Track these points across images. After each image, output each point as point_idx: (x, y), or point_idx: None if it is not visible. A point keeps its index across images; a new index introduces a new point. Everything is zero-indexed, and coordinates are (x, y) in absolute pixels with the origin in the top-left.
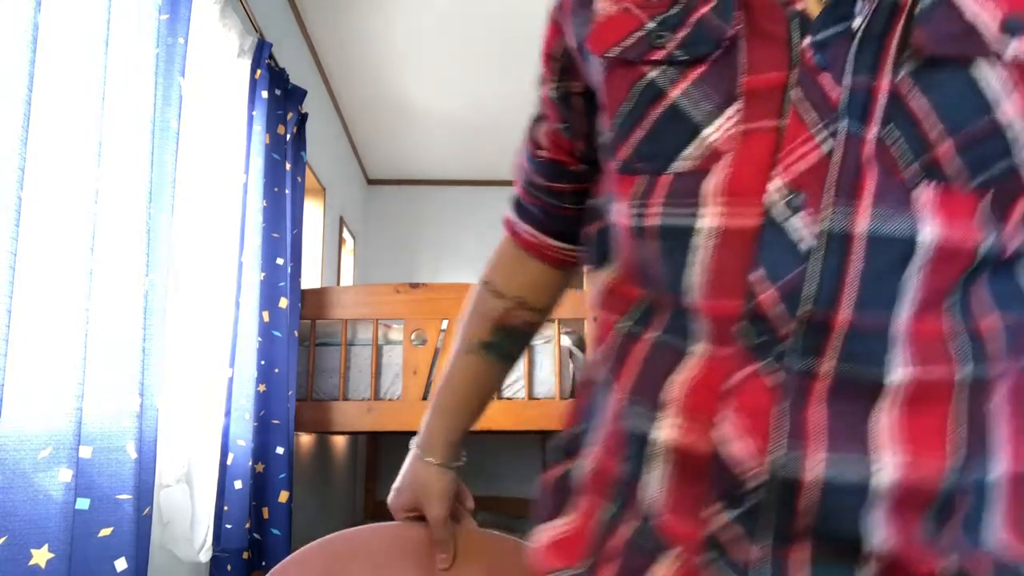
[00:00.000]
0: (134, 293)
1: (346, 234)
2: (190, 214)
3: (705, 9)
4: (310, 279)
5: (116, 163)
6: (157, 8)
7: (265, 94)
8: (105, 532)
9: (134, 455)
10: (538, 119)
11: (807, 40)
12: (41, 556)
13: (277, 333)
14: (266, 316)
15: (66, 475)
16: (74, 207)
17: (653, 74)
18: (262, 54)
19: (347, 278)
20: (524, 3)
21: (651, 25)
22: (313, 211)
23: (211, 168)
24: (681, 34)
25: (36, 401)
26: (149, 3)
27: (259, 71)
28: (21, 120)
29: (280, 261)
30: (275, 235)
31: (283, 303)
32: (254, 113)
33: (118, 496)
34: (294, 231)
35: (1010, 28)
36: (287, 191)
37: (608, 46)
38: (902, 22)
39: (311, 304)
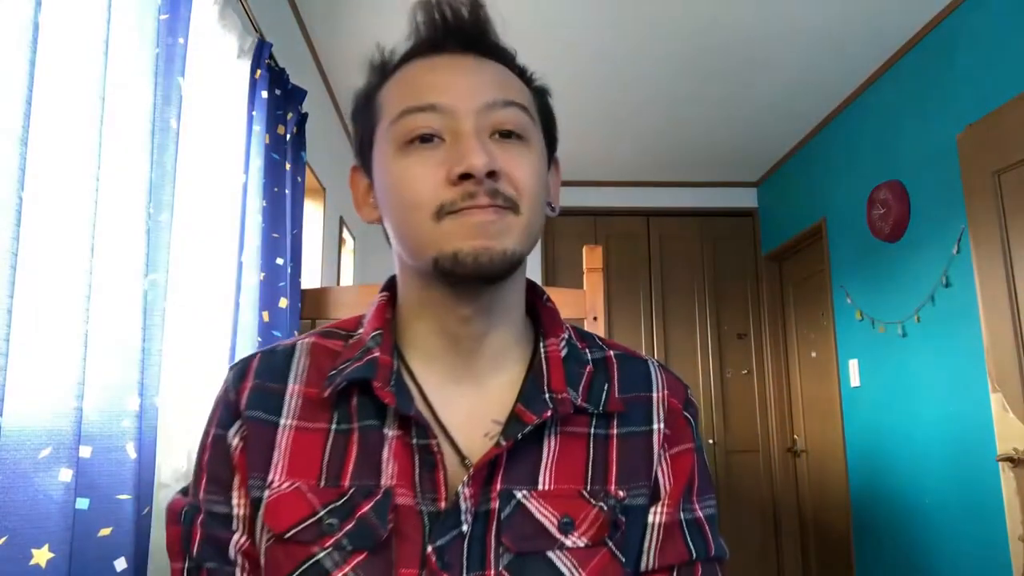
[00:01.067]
0: (134, 293)
1: (346, 234)
2: (190, 214)
3: (366, 508)
4: (310, 279)
5: (116, 163)
6: (157, 8)
7: (265, 94)
8: (105, 532)
9: (134, 455)
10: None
11: (430, 547)
12: (41, 556)
13: (277, 333)
14: (266, 316)
15: (66, 475)
16: (74, 207)
17: (320, 555)
18: (262, 54)
19: (347, 278)
20: (524, 2)
21: (322, 512)
22: (313, 211)
23: (211, 168)
24: (348, 526)
25: (36, 401)
26: (149, 3)
27: (259, 71)
28: (21, 120)
29: (280, 261)
30: (275, 235)
31: (283, 303)
32: (254, 113)
33: (118, 496)
34: (294, 231)
35: (563, 528)
36: (287, 191)
37: (285, 527)
38: (495, 526)
39: (311, 304)
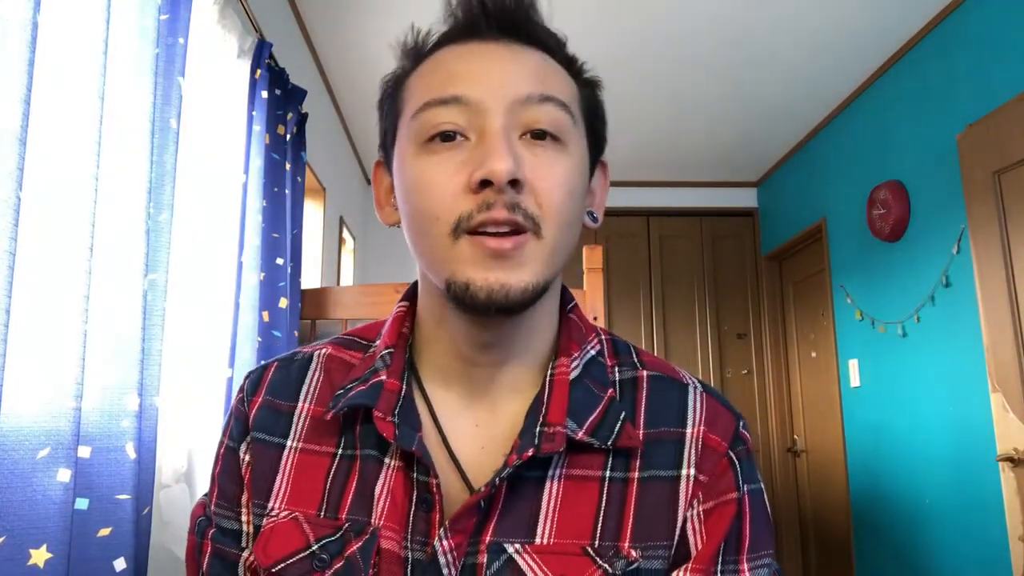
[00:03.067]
0: (134, 293)
1: (346, 234)
2: (190, 214)
3: (355, 547)
4: (310, 279)
5: (116, 163)
6: (157, 8)
7: (265, 94)
8: (104, 532)
9: (134, 455)
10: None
11: None
12: (40, 556)
13: (277, 333)
14: (266, 316)
15: (65, 475)
16: (74, 207)
17: None
18: (262, 54)
19: (347, 278)
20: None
21: (315, 547)
22: (313, 211)
23: (211, 168)
24: (337, 565)
25: (35, 401)
26: (149, 3)
27: (259, 71)
28: (21, 120)
29: (280, 261)
30: (275, 235)
31: (283, 303)
32: (254, 113)
33: (118, 496)
34: (294, 231)
35: None
36: (287, 191)
37: (272, 560)
38: None
39: (311, 304)
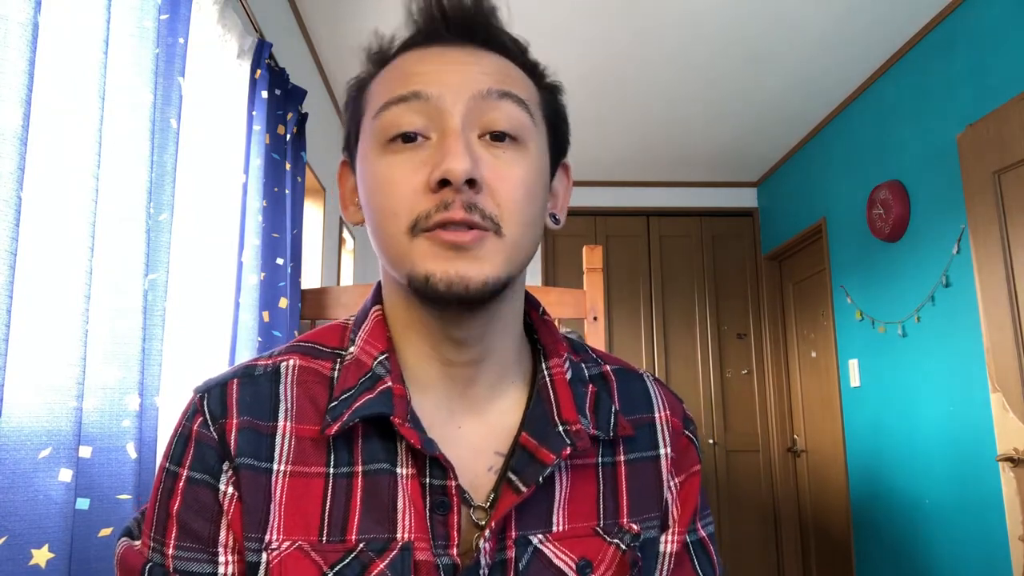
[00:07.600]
0: (134, 293)
1: (346, 234)
2: (190, 214)
3: (381, 566)
4: (310, 279)
5: (116, 163)
6: (157, 8)
7: (265, 94)
8: (106, 532)
9: (134, 455)
10: None
11: None
12: (41, 556)
13: (277, 333)
14: (266, 316)
15: (66, 475)
16: (74, 207)
17: None
18: (262, 54)
19: (347, 278)
20: (523, 3)
21: (330, 575)
22: (313, 211)
23: (211, 168)
24: None
25: (36, 401)
26: (149, 3)
27: (259, 71)
28: (21, 120)
29: (280, 261)
30: (275, 235)
31: (283, 303)
32: (254, 113)
33: (119, 496)
34: (294, 231)
35: (581, 571)
36: (287, 191)
37: None
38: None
39: (311, 304)
